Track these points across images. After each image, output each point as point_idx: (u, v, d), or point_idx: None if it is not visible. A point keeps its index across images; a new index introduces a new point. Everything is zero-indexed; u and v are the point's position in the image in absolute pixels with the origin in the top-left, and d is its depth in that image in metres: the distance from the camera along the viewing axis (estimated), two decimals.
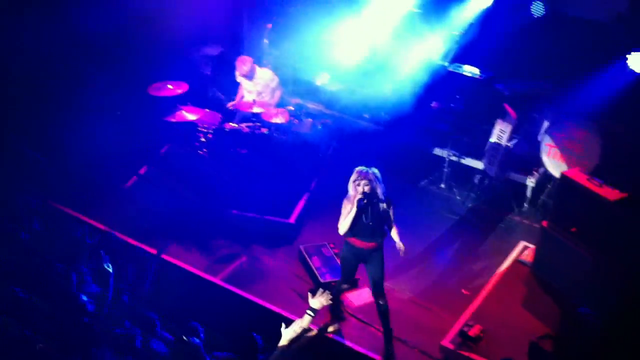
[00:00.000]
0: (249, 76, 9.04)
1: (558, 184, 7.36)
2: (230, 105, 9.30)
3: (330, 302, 5.26)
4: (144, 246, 7.28)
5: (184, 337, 5.01)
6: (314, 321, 5.15)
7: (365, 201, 6.07)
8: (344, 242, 6.45)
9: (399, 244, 6.32)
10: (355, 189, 6.12)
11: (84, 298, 5.49)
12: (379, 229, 6.28)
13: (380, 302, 6.45)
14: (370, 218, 6.18)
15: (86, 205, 8.06)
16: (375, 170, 6.18)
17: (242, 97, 9.33)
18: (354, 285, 7.32)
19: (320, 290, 5.26)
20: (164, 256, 6.99)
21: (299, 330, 5.04)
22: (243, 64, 8.98)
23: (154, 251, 6.58)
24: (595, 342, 6.11)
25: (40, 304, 5.37)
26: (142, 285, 5.98)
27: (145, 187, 8.60)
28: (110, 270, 5.68)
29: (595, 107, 8.65)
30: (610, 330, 6.18)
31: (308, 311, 5.12)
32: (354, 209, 6.11)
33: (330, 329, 6.56)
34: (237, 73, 9.12)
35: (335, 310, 6.81)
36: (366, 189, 6.06)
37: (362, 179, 6.09)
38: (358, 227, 6.21)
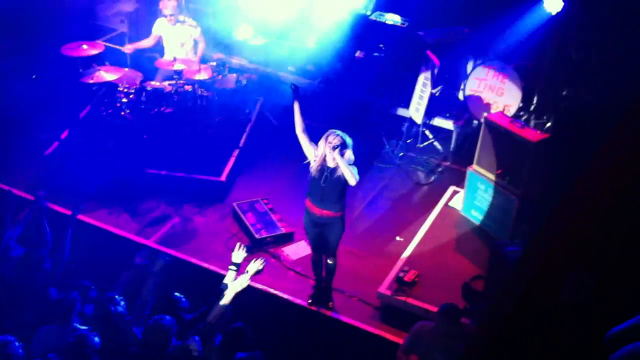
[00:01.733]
0: (175, 16, 8.67)
1: (482, 128, 7.51)
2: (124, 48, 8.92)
3: (245, 254, 5.40)
4: (59, 208, 7.04)
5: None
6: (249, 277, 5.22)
7: (293, 87, 6.04)
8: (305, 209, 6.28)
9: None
10: (324, 143, 5.87)
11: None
12: (331, 196, 6.01)
13: (329, 262, 6.48)
14: (325, 181, 5.93)
15: (6, 173, 7.75)
16: (348, 139, 5.91)
17: (162, 52, 9.00)
18: (289, 239, 7.36)
19: (238, 244, 5.44)
20: (86, 218, 6.83)
21: (229, 286, 5.17)
22: (169, 1, 8.61)
23: (68, 212, 6.31)
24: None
25: None
26: (62, 251, 5.78)
27: (68, 152, 8.27)
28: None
29: (514, 50, 8.87)
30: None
31: (230, 266, 5.36)
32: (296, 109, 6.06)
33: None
34: (159, 19, 8.76)
35: (317, 287, 6.74)
36: (335, 141, 5.78)
37: (331, 135, 5.86)
38: (312, 188, 6.04)
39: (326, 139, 5.86)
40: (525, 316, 3.23)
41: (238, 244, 5.49)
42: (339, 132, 5.91)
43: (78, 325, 5.09)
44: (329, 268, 6.56)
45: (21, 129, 8.87)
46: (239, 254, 5.44)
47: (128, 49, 8.85)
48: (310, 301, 6.62)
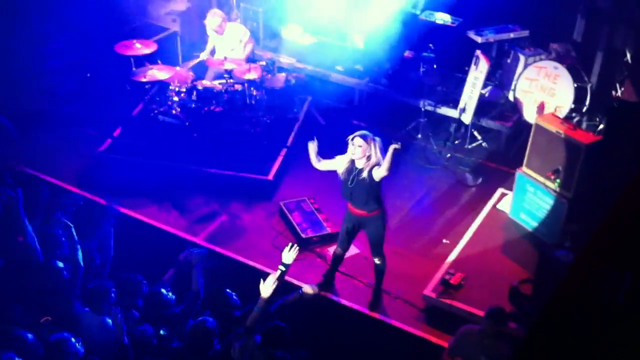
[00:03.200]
0: (219, 31, 8.88)
1: (532, 129, 7.40)
2: (202, 56, 9.12)
3: (295, 255, 5.35)
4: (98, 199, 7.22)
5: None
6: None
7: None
8: None
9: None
10: (351, 147, 5.92)
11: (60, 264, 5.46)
12: (359, 197, 6.07)
13: (376, 262, 6.53)
14: (352, 182, 6.00)
15: (61, 171, 7.97)
16: (377, 139, 5.94)
17: (213, 51, 9.16)
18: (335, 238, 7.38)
19: (290, 244, 5.38)
20: (136, 215, 6.96)
21: (274, 285, 5.15)
22: (213, 18, 8.80)
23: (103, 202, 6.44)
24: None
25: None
26: (108, 247, 5.93)
27: (121, 149, 8.46)
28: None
29: (566, 50, 8.71)
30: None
31: (280, 266, 5.29)
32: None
33: (307, 288, 6.09)
34: (207, 28, 8.95)
35: (328, 275, 6.81)
36: (357, 150, 5.85)
37: (355, 138, 5.88)
38: (344, 190, 6.12)
39: (352, 142, 5.92)
40: (579, 321, 3.17)
41: (290, 244, 5.41)
42: (363, 132, 5.94)
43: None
44: (376, 269, 6.59)
45: (75, 126, 9.14)
46: (289, 255, 5.34)
47: (204, 57, 9.06)
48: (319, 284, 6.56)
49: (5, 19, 8.60)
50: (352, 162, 6.01)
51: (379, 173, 5.89)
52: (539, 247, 6.87)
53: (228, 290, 5.60)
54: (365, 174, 5.93)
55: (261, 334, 5.10)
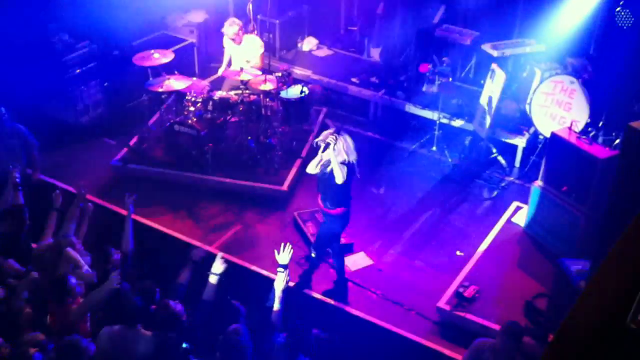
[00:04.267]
0: (237, 40, 8.93)
1: (548, 143, 7.37)
2: (220, 72, 9.22)
3: (290, 254, 5.50)
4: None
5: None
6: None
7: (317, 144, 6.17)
8: None
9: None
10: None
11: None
12: (322, 191, 6.38)
13: (311, 254, 6.81)
14: (322, 175, 6.27)
15: (76, 178, 8.03)
16: (343, 138, 6.13)
17: (229, 63, 9.24)
18: (348, 249, 7.39)
19: (282, 244, 5.51)
20: (151, 223, 7.00)
21: (280, 288, 5.31)
22: (231, 26, 8.86)
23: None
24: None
25: None
26: (127, 248, 5.98)
27: (136, 158, 8.53)
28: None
29: (582, 64, 8.68)
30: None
31: (279, 269, 5.42)
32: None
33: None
34: (225, 37, 9.02)
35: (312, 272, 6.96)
36: (329, 139, 6.03)
37: (323, 140, 6.09)
38: (317, 181, 6.34)
39: (320, 142, 6.14)
40: (598, 337, 3.14)
41: (282, 244, 5.54)
42: (330, 131, 6.16)
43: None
44: (308, 260, 6.89)
45: (94, 135, 9.24)
46: (284, 256, 5.48)
47: (222, 72, 9.17)
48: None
49: (24, 29, 8.71)
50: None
51: (337, 178, 6.09)
52: (554, 261, 6.82)
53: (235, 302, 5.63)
54: (328, 170, 6.18)
55: (285, 336, 5.15)
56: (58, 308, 5.32)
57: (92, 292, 5.43)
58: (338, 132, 6.15)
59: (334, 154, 6.05)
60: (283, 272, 5.40)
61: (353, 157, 6.18)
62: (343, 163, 6.09)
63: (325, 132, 6.18)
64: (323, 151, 6.10)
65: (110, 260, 5.79)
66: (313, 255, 6.77)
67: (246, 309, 5.60)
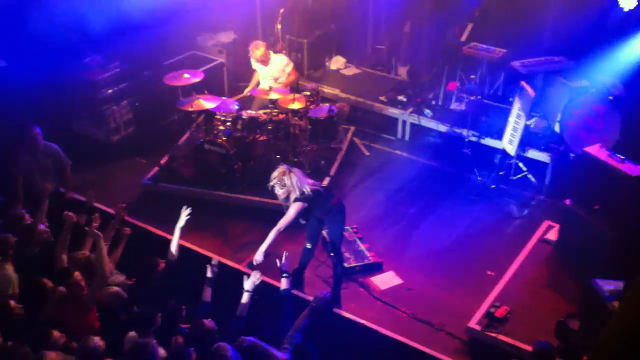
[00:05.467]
0: (264, 61, 9.02)
1: (579, 161, 7.30)
2: (246, 92, 9.32)
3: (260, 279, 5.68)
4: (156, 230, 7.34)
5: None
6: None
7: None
8: None
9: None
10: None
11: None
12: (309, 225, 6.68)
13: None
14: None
15: (107, 197, 8.13)
16: (294, 173, 6.31)
17: (258, 83, 9.32)
18: (377, 268, 7.38)
19: (284, 253, 5.96)
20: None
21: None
22: (256, 49, 8.96)
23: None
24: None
25: None
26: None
27: (167, 176, 8.63)
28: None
29: (611, 81, 8.60)
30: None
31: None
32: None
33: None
34: (251, 59, 9.12)
35: (298, 274, 6.98)
36: (280, 192, 6.33)
37: (275, 183, 6.33)
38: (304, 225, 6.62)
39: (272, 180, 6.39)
40: (631, 358, 3.11)
41: (284, 252, 5.81)
42: (282, 168, 6.37)
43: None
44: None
45: (123, 153, 9.37)
46: (249, 282, 5.63)
47: (247, 93, 9.27)
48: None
49: (56, 50, 8.89)
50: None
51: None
52: (586, 281, 6.72)
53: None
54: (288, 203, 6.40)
55: (291, 354, 5.12)
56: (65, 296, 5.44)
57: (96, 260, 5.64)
58: (280, 182, 6.32)
59: (284, 194, 6.33)
60: (286, 277, 5.73)
61: (306, 188, 6.32)
62: (297, 199, 6.27)
63: (274, 174, 6.36)
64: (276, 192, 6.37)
65: (157, 270, 5.85)
66: (332, 255, 6.83)
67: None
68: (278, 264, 5.93)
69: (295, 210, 6.29)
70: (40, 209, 6.49)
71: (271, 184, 6.34)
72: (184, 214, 6.23)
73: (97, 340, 4.81)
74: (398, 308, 6.92)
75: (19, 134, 7.45)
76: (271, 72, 9.12)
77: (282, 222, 6.30)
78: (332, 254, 6.81)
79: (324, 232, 7.19)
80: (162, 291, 5.77)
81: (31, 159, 7.38)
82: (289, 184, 6.26)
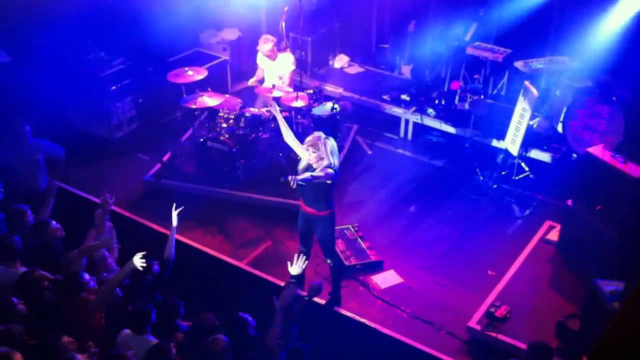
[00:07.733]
0: (270, 56, 9.01)
1: (582, 162, 7.29)
2: (250, 82, 9.29)
3: (304, 266, 5.54)
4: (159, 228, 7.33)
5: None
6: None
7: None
8: None
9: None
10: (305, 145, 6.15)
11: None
12: (310, 195, 6.29)
13: (329, 263, 6.72)
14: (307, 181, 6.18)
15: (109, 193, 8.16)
16: (330, 142, 6.13)
17: (262, 79, 9.31)
18: (379, 267, 7.38)
19: (296, 256, 5.54)
20: (181, 238, 7.08)
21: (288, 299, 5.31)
22: (265, 43, 8.95)
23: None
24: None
25: None
26: (168, 257, 6.04)
27: (169, 173, 8.65)
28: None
29: (616, 81, 8.58)
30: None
31: (291, 280, 5.45)
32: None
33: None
34: (259, 54, 9.10)
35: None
36: (312, 155, 6.07)
37: (310, 144, 6.11)
38: (298, 186, 6.08)
39: (307, 148, 6.15)
40: (633, 356, 3.09)
41: (296, 255, 5.57)
42: (319, 134, 6.16)
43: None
44: (331, 271, 6.78)
45: (126, 150, 9.39)
46: (295, 267, 5.49)
47: (251, 84, 9.24)
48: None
49: (61, 46, 8.92)
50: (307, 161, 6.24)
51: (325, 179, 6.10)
52: (587, 281, 6.71)
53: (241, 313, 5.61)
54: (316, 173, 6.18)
55: (285, 354, 5.10)
56: (73, 302, 5.38)
57: (114, 275, 5.57)
58: (318, 140, 6.14)
59: (317, 158, 6.11)
60: (294, 283, 5.42)
61: (337, 160, 6.21)
62: (329, 166, 6.12)
63: (310, 137, 6.20)
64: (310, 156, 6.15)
65: (151, 270, 5.84)
66: (331, 264, 6.71)
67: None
68: (289, 267, 5.61)
69: (327, 174, 6.06)
70: (45, 204, 6.52)
71: (305, 145, 6.16)
72: (175, 213, 6.19)
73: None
74: (398, 307, 6.93)
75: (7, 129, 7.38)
76: (276, 70, 9.12)
77: (317, 174, 6.04)
78: (329, 261, 6.73)
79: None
80: (159, 290, 5.77)
81: (16, 155, 7.28)
82: (322, 150, 6.10)
